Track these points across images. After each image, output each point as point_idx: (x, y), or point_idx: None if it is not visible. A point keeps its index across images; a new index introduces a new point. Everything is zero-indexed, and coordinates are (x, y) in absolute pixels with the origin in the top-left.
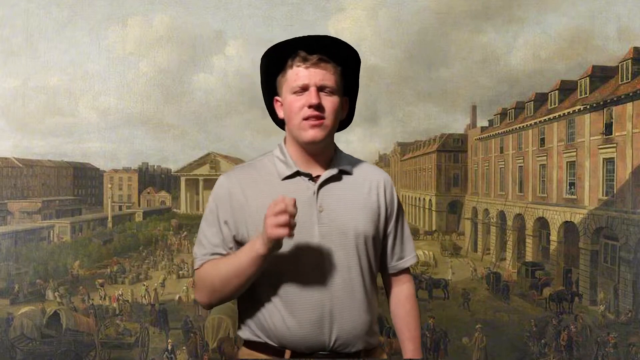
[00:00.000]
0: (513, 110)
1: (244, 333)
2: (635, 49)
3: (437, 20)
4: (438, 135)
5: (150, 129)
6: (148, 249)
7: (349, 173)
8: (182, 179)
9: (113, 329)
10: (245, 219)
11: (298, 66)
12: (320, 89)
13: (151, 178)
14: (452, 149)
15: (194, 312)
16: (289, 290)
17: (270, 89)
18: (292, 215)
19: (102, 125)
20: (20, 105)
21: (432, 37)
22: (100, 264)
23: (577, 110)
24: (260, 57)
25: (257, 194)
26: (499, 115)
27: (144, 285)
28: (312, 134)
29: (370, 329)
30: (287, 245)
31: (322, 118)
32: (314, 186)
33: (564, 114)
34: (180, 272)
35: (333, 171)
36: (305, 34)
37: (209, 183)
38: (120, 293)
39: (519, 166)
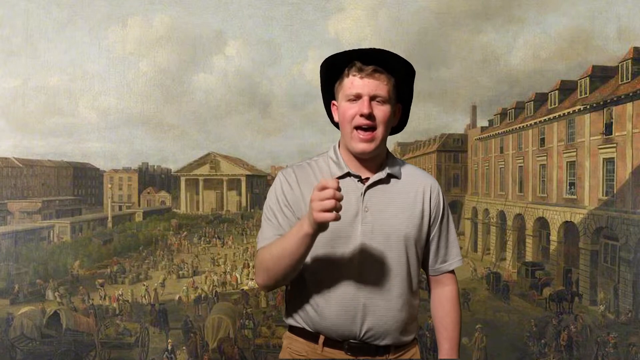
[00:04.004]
0: (513, 110)
1: (288, 319)
2: (635, 49)
3: (437, 20)
4: (438, 135)
5: (150, 129)
6: (148, 249)
7: (397, 177)
8: (182, 179)
9: (113, 329)
10: (302, 212)
11: (354, 75)
12: (372, 98)
13: (151, 178)
14: (452, 149)
15: (194, 312)
16: (327, 283)
17: (328, 94)
18: (339, 199)
19: (102, 125)
20: (20, 105)
21: (432, 37)
22: (100, 264)
23: (577, 110)
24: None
25: (310, 190)
26: (499, 115)
27: (144, 285)
28: (362, 147)
29: (403, 326)
30: (330, 241)
31: (373, 128)
32: (362, 187)
33: (564, 114)
34: (180, 272)
35: (382, 174)
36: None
37: (209, 183)
38: (120, 293)
39: (519, 166)
